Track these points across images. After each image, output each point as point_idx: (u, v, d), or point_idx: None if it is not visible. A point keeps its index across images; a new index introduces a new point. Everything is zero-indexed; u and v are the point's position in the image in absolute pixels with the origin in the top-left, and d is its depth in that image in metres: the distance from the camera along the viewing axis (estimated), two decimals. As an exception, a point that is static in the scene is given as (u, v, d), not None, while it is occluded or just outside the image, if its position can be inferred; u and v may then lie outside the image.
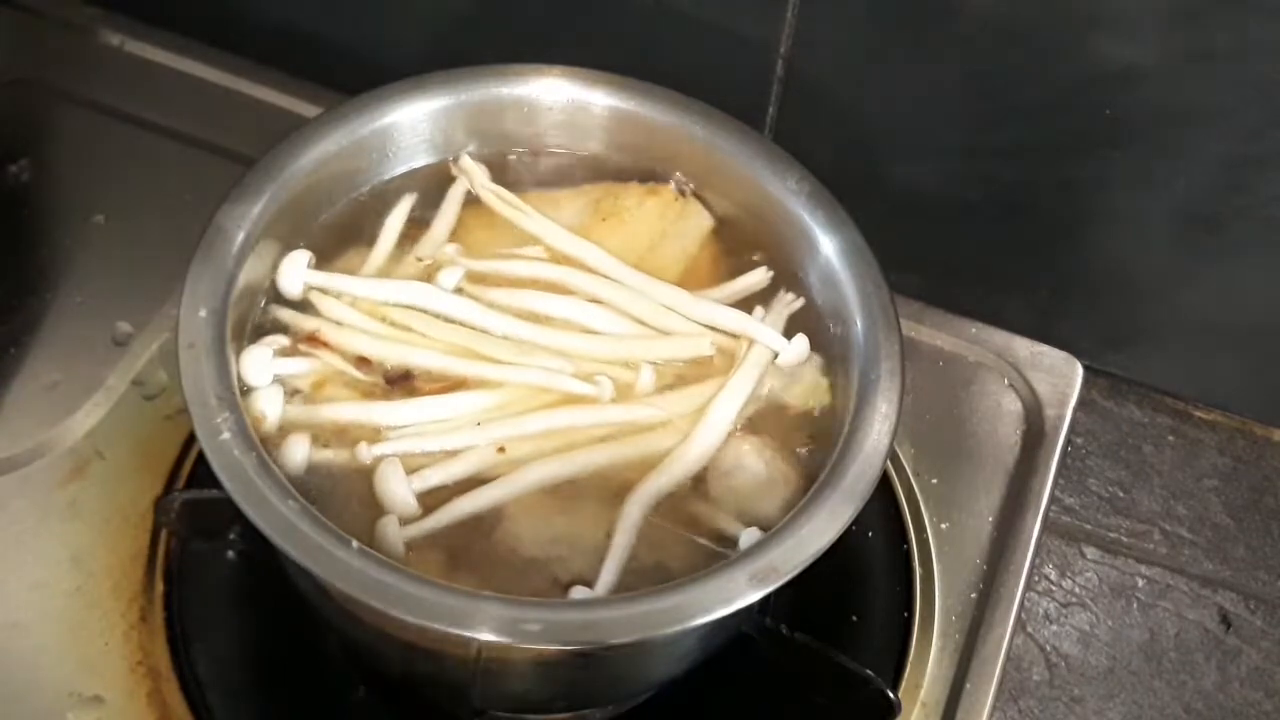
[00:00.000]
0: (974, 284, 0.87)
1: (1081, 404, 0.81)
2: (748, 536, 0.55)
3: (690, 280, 0.65)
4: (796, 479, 0.58)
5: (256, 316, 0.61)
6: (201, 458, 0.53)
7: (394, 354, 0.60)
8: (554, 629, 0.49)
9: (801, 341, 0.62)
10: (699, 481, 0.58)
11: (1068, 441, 0.80)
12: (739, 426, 0.60)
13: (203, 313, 0.55)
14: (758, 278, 0.65)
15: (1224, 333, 0.85)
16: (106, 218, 0.85)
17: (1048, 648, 0.80)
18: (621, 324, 0.63)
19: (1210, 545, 0.85)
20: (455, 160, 0.68)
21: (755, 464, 0.59)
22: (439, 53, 0.88)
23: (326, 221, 0.65)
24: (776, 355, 0.62)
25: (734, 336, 0.63)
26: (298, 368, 0.59)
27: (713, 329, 0.63)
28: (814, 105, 0.82)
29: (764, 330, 0.62)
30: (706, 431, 0.59)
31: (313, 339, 0.59)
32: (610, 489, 0.58)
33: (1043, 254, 0.86)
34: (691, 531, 0.57)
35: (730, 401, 0.60)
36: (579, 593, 0.54)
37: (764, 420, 0.61)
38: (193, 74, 0.93)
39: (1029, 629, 0.81)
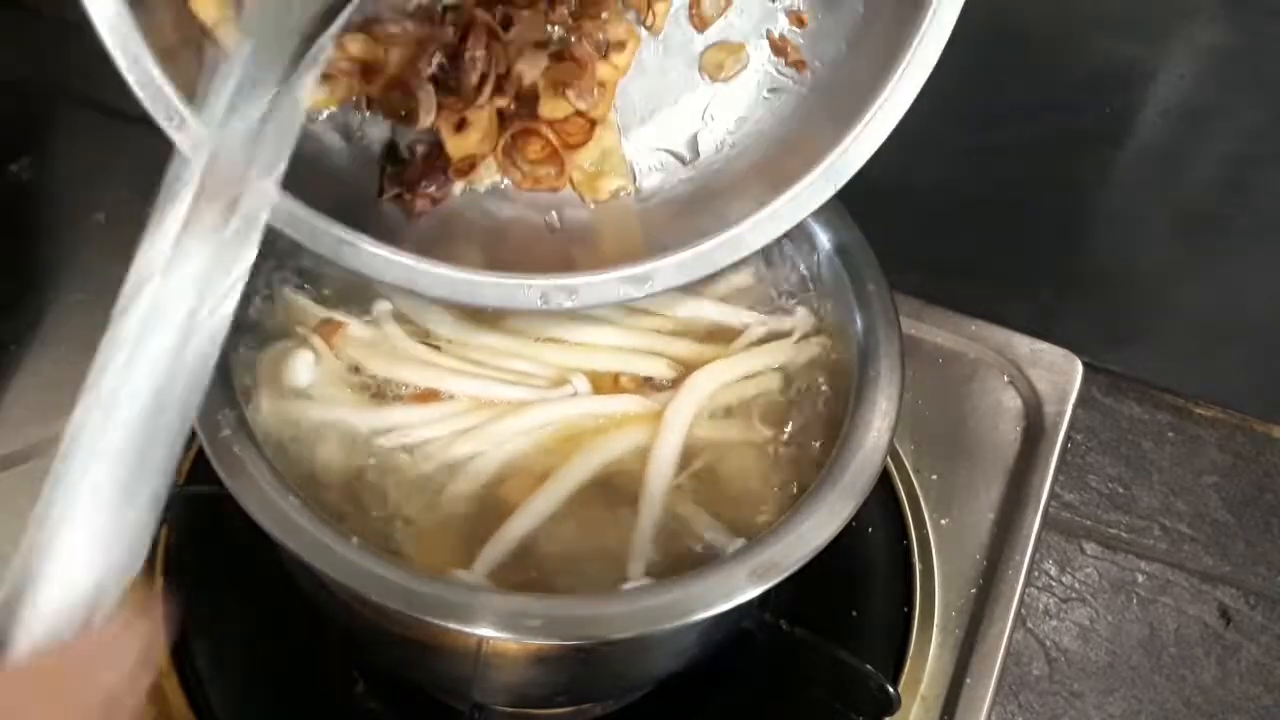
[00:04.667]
0: (974, 282, 0.87)
1: (1081, 401, 0.82)
2: (740, 541, 0.55)
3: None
4: (793, 473, 0.59)
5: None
6: (201, 453, 0.53)
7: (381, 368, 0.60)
8: (555, 624, 0.49)
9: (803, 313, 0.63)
10: (698, 475, 0.59)
11: (1067, 438, 0.80)
12: (734, 416, 0.60)
13: (203, 310, 0.56)
14: (742, 279, 0.65)
15: (1224, 330, 0.85)
16: (107, 216, 0.85)
17: (1048, 643, 0.80)
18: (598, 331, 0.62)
19: (1210, 541, 0.85)
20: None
21: (751, 455, 0.59)
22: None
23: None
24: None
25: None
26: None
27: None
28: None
29: (747, 314, 0.63)
30: (677, 411, 0.59)
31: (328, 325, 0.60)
32: (612, 485, 0.58)
33: (1043, 252, 0.86)
34: (698, 526, 0.57)
35: (702, 383, 0.60)
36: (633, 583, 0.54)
37: (762, 409, 0.61)
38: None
39: (1029, 624, 0.81)
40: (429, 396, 0.59)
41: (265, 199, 0.42)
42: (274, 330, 0.60)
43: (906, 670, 0.70)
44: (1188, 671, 0.80)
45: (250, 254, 0.42)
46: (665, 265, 0.52)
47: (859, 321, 0.60)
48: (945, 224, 0.86)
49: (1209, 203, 0.78)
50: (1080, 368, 0.82)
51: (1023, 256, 0.87)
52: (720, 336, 0.63)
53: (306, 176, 0.49)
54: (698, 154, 0.58)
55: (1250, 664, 0.80)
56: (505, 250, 0.56)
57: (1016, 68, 0.75)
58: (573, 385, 0.60)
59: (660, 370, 0.61)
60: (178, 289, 0.39)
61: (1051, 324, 0.84)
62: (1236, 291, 0.83)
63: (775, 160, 0.55)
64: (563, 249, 0.56)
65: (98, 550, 0.37)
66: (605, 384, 0.61)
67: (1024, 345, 0.83)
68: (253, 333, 0.59)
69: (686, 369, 0.61)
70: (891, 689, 0.63)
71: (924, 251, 0.82)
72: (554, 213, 0.57)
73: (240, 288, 0.41)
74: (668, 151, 0.58)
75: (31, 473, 0.73)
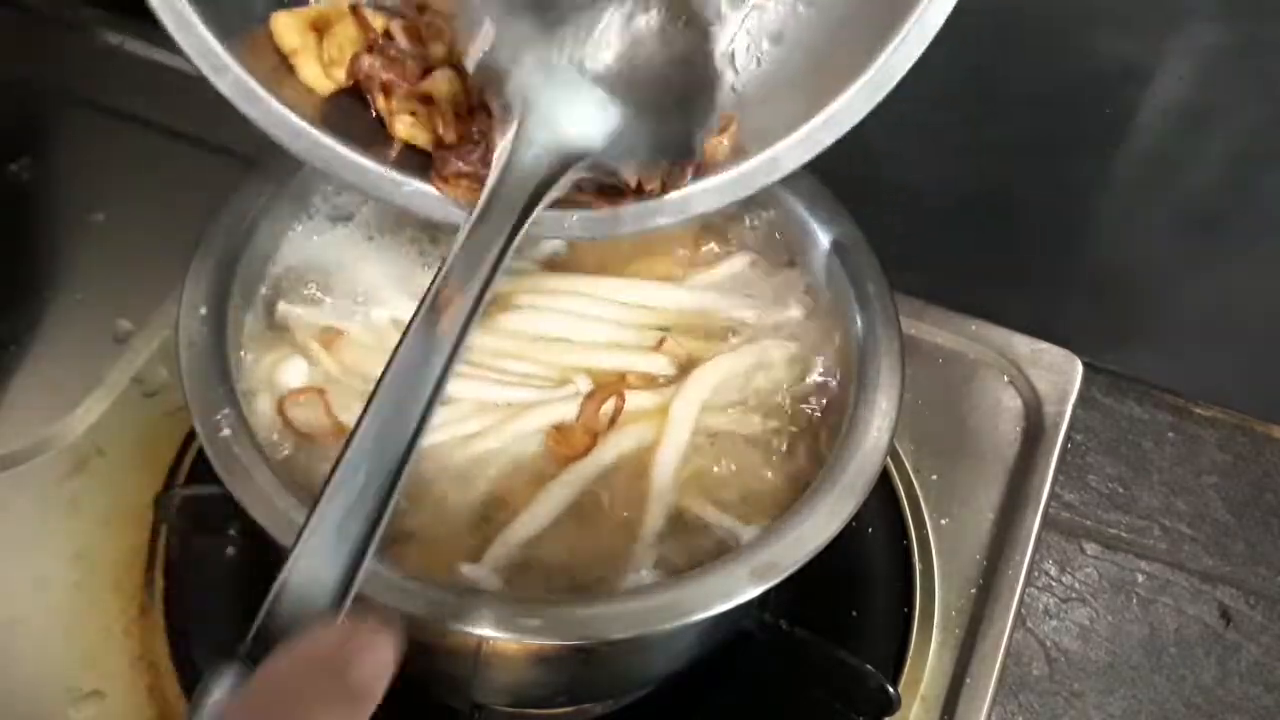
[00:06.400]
0: (974, 282, 0.87)
1: (1081, 401, 0.82)
2: (748, 534, 0.55)
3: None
4: (794, 469, 0.59)
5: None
6: (201, 454, 0.53)
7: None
8: (555, 624, 0.49)
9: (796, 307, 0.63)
10: (703, 469, 0.59)
11: (1067, 438, 0.80)
12: (736, 411, 0.60)
13: (203, 311, 0.56)
14: (739, 264, 0.65)
15: (1224, 330, 0.85)
16: (106, 216, 0.85)
17: (1048, 643, 0.80)
18: (598, 329, 0.63)
19: (1210, 541, 0.85)
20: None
21: (752, 450, 0.59)
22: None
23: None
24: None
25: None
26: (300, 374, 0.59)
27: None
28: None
29: (744, 305, 0.63)
30: (683, 406, 0.59)
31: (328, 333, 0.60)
32: (618, 483, 0.58)
33: (1043, 252, 0.86)
34: (706, 519, 0.57)
35: (705, 377, 0.60)
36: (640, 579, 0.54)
37: (763, 405, 0.61)
38: (193, 73, 0.93)
39: (1029, 624, 0.81)
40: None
41: None
42: (274, 339, 0.60)
43: (906, 670, 0.70)
44: (1188, 671, 0.80)
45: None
46: (702, 189, 0.50)
47: (859, 321, 0.60)
48: (945, 224, 0.86)
49: (1209, 203, 0.78)
50: (1080, 368, 0.82)
51: (1023, 256, 0.87)
52: (719, 334, 0.63)
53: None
54: (735, 70, 0.55)
55: (1250, 664, 0.80)
56: None
57: (1016, 67, 0.75)
58: (575, 385, 0.60)
59: (661, 367, 0.61)
60: None
61: (1051, 324, 0.84)
62: (1237, 291, 0.83)
63: (811, 76, 0.53)
64: None
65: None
66: (608, 382, 0.61)
67: (1024, 345, 0.83)
68: (253, 341, 0.60)
69: (687, 365, 0.61)
70: (891, 689, 0.63)
71: (924, 251, 0.82)
72: None
73: None
74: None
75: (31, 473, 0.73)
